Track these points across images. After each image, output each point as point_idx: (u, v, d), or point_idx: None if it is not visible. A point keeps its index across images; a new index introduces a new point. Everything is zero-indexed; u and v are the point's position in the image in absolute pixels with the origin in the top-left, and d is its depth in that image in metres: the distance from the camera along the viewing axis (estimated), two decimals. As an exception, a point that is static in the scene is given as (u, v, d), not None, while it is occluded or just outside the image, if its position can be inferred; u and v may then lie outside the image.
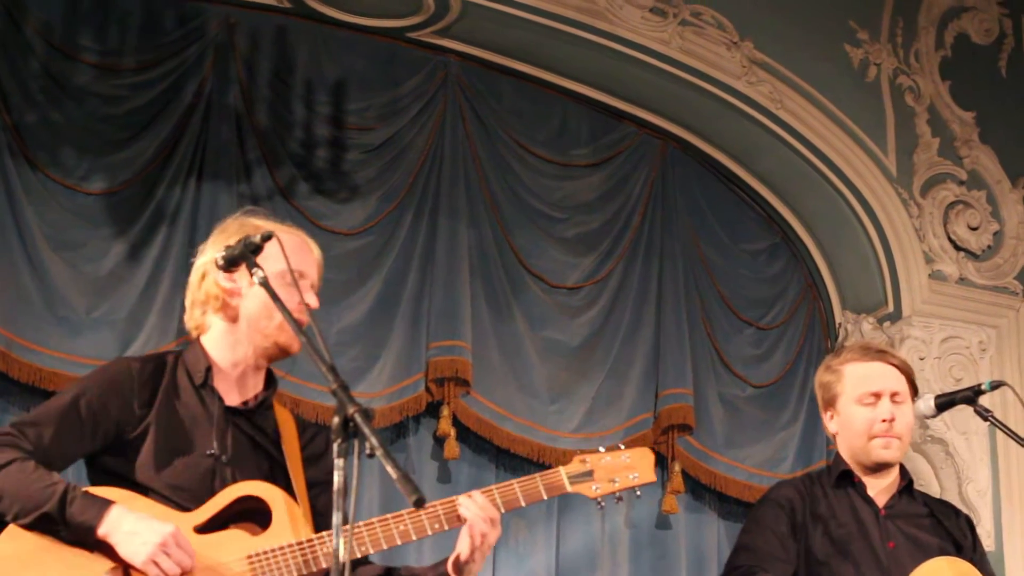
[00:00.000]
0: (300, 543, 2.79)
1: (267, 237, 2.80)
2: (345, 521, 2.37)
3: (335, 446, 2.38)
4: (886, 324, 6.41)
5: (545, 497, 2.96)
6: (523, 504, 2.94)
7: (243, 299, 2.95)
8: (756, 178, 6.56)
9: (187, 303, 3.04)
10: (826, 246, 6.62)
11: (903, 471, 3.66)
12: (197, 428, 2.91)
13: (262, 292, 2.78)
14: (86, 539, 2.71)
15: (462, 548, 2.91)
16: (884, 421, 3.53)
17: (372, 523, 2.84)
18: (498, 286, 5.92)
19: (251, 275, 2.77)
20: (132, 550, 2.69)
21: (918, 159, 6.57)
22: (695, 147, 6.48)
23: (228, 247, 2.84)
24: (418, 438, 5.72)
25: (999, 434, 6.14)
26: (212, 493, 2.84)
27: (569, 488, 2.99)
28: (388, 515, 2.86)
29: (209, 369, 2.96)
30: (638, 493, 3.04)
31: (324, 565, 2.78)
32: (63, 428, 2.82)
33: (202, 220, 5.33)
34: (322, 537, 2.80)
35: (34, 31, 5.32)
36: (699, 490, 6.18)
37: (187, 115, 5.49)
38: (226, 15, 5.64)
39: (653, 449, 6.25)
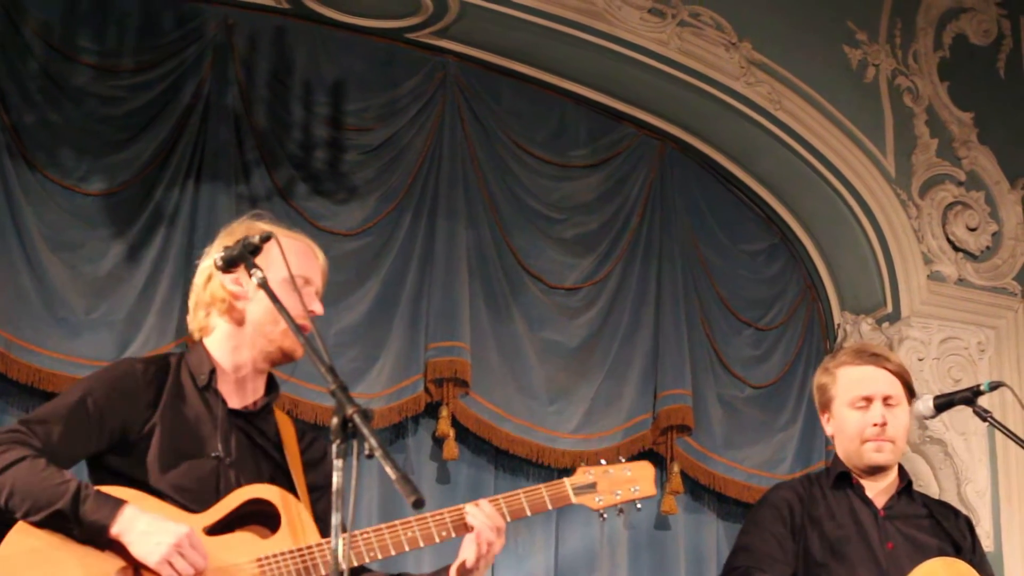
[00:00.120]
0: (309, 547, 2.80)
1: (266, 238, 2.81)
2: (344, 524, 2.37)
3: (334, 447, 2.37)
4: (885, 325, 6.41)
5: (550, 508, 3.03)
6: (528, 514, 3.00)
7: (249, 303, 2.95)
8: (755, 179, 6.56)
9: (191, 305, 3.04)
10: (825, 247, 6.62)
11: (902, 472, 3.66)
12: (201, 430, 2.91)
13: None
14: (98, 538, 2.70)
15: (468, 555, 2.92)
16: (876, 425, 3.53)
17: (380, 529, 2.86)
18: (497, 287, 5.92)
19: (249, 276, 2.78)
20: (146, 550, 2.68)
21: (916, 160, 6.57)
22: (694, 148, 6.47)
23: (227, 248, 2.84)
24: (417, 439, 5.72)
25: (998, 435, 6.14)
26: (216, 495, 2.84)
27: (574, 500, 3.06)
28: (396, 521, 2.87)
29: (213, 371, 2.96)
30: (639, 506, 3.12)
31: None
32: (71, 427, 2.82)
33: (201, 221, 5.34)
34: (331, 542, 2.81)
35: (33, 32, 5.32)
36: (698, 491, 6.18)
37: (186, 116, 5.49)
38: (224, 16, 5.64)
39: (652, 449, 6.27)
